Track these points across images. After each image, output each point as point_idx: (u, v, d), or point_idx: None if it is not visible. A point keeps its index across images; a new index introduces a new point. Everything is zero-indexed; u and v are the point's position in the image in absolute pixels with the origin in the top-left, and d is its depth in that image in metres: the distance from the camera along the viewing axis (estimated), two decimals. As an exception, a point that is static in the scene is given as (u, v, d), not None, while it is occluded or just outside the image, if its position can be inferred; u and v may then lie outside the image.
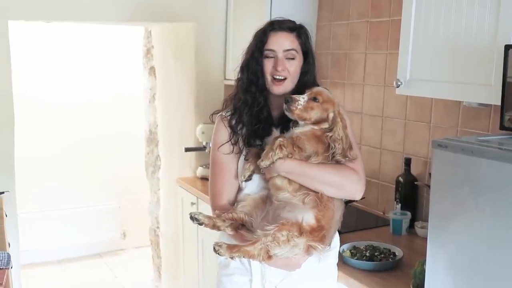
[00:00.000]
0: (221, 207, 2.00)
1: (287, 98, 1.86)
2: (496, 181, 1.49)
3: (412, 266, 2.04)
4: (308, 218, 1.81)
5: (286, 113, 1.87)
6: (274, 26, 1.99)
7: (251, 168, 1.94)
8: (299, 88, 1.99)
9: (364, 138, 3.14)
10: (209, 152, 2.23)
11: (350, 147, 1.89)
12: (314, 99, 1.87)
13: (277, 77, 1.96)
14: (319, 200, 1.85)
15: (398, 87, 2.36)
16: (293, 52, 1.97)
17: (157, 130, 4.71)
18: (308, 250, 1.82)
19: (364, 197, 2.95)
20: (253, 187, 2.00)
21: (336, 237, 2.10)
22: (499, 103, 1.80)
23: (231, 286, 2.06)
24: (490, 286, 1.53)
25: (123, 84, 5.52)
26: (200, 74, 3.91)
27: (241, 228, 1.92)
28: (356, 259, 2.27)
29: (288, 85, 1.99)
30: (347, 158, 1.87)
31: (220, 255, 1.79)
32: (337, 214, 1.91)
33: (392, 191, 2.88)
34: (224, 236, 1.99)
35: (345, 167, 1.89)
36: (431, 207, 1.72)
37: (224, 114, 2.08)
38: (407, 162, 2.78)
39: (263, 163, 1.83)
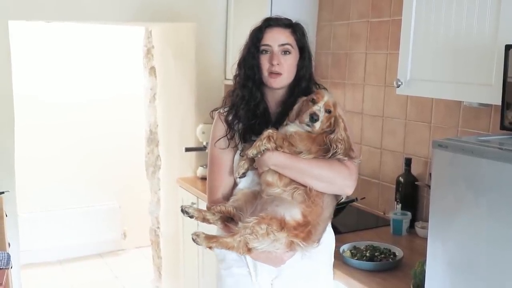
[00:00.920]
0: (215, 201, 2.03)
1: (315, 117, 1.85)
2: (497, 181, 1.49)
3: (412, 266, 2.03)
4: (294, 213, 1.82)
5: (308, 128, 1.88)
6: (270, 22, 2.03)
7: (246, 165, 1.97)
8: (295, 83, 2.03)
9: (364, 138, 3.14)
10: (209, 150, 2.26)
11: (351, 148, 1.91)
12: (328, 111, 1.89)
13: (273, 72, 1.98)
14: (307, 195, 1.86)
15: (398, 87, 2.36)
16: (288, 46, 1.99)
17: (158, 130, 4.71)
18: (291, 246, 1.83)
19: (364, 197, 2.99)
20: (247, 183, 2.02)
21: (331, 235, 2.12)
22: (499, 103, 1.79)
23: (231, 279, 2.07)
24: (490, 286, 1.53)
25: (123, 84, 5.52)
26: (200, 74, 3.91)
27: (230, 222, 1.94)
28: (356, 259, 2.27)
29: (285, 80, 2.01)
30: (348, 158, 1.89)
31: (198, 244, 1.83)
32: (327, 211, 1.92)
33: (393, 191, 2.87)
34: (220, 231, 2.02)
35: (336, 162, 1.89)
36: (432, 207, 1.71)
37: (221, 110, 2.11)
38: (408, 162, 2.78)
39: (250, 151, 1.87)
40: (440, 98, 2.52)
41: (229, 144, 2.05)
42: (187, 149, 3.90)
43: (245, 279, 2.03)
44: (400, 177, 2.81)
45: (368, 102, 3.11)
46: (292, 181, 1.88)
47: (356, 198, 2.92)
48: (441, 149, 1.65)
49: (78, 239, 5.50)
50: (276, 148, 1.87)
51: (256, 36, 2.01)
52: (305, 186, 1.87)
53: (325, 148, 1.89)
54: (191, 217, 1.96)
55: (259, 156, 1.87)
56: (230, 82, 2.19)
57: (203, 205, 3.37)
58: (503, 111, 1.77)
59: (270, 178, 1.89)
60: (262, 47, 2.00)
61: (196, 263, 3.63)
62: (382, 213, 2.99)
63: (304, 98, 1.95)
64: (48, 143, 5.29)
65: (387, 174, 2.98)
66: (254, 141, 1.97)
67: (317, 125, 1.87)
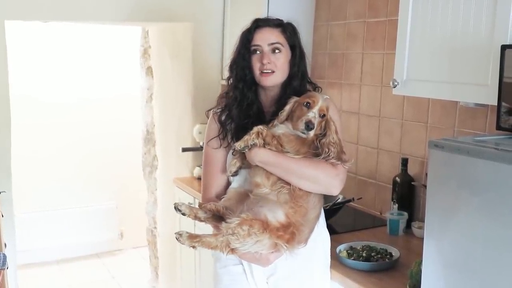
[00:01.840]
0: (208, 200, 2.05)
1: (310, 126, 1.84)
2: (493, 181, 1.49)
3: (409, 266, 2.03)
4: (278, 214, 1.83)
5: (303, 135, 1.87)
6: (259, 23, 2.04)
7: (237, 164, 1.98)
8: (287, 81, 2.04)
9: (361, 138, 3.14)
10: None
11: (343, 151, 1.91)
12: (322, 116, 1.88)
13: (265, 71, 1.99)
14: (292, 195, 1.86)
15: (395, 87, 2.36)
16: (278, 45, 2.00)
17: (154, 130, 4.71)
18: (276, 247, 1.83)
19: (361, 197, 2.99)
20: (240, 181, 2.03)
21: (326, 234, 2.13)
22: (495, 103, 1.80)
23: (228, 277, 2.08)
24: (486, 286, 1.53)
25: (120, 84, 5.52)
26: (197, 74, 3.91)
27: (216, 221, 1.94)
28: (352, 259, 2.27)
29: (277, 78, 2.02)
30: (341, 161, 1.88)
31: (181, 243, 1.85)
32: (313, 211, 1.91)
33: (389, 191, 2.87)
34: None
35: (323, 161, 1.88)
36: (428, 207, 1.71)
37: (215, 110, 2.13)
38: (404, 162, 2.78)
39: (238, 144, 1.88)
40: (437, 98, 2.52)
41: (221, 144, 2.07)
42: (184, 149, 3.89)
43: (241, 277, 2.04)
44: (397, 177, 2.81)
45: (365, 102, 3.12)
46: (279, 179, 1.88)
47: (353, 198, 2.92)
48: (437, 149, 1.65)
49: (75, 239, 5.49)
50: (264, 145, 1.87)
51: (246, 37, 2.03)
52: (289, 186, 1.87)
53: (314, 150, 1.89)
54: (184, 214, 1.98)
55: (247, 150, 1.88)
56: (226, 82, 2.20)
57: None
58: (499, 111, 1.77)
59: (258, 179, 1.90)
60: (253, 48, 2.01)
61: (193, 263, 3.62)
62: (379, 213, 2.99)
63: (296, 98, 1.94)
64: (44, 143, 5.28)
65: (384, 174, 2.99)
66: None
67: (312, 133, 1.86)
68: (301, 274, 2.02)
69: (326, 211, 2.15)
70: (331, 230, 2.17)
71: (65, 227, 5.43)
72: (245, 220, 1.78)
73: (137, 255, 5.62)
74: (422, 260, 1.75)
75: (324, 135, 1.88)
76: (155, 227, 4.78)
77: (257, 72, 2.01)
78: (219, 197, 2.06)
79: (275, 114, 1.98)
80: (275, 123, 1.93)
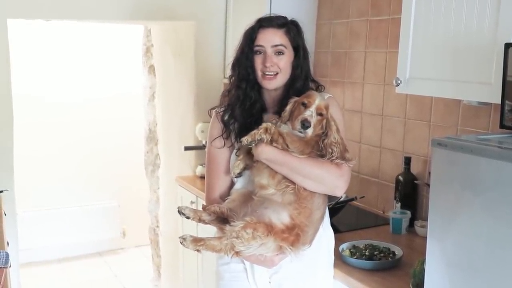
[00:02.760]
0: (212, 201, 2.03)
1: (306, 124, 1.83)
2: (496, 180, 1.48)
3: (412, 265, 2.03)
4: (283, 216, 1.81)
5: (301, 134, 1.86)
6: (263, 23, 2.01)
7: (241, 165, 1.96)
8: (290, 82, 2.03)
9: (363, 137, 3.14)
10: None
11: (346, 149, 1.89)
12: (320, 114, 1.87)
13: (267, 73, 1.98)
14: (297, 195, 1.85)
15: (397, 85, 2.35)
16: (281, 47, 1.99)
17: (157, 128, 4.71)
18: (281, 249, 1.82)
19: (363, 196, 2.98)
20: (244, 182, 2.02)
21: (330, 232, 2.12)
22: (499, 101, 1.79)
23: (229, 275, 2.07)
24: (490, 285, 1.53)
25: (122, 83, 5.52)
26: (199, 72, 3.91)
27: (221, 223, 1.93)
28: (355, 258, 2.27)
29: (280, 80, 2.01)
30: (345, 160, 1.88)
31: (184, 247, 1.83)
32: (317, 212, 1.91)
33: (392, 190, 2.87)
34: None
35: (328, 162, 1.87)
36: (431, 206, 1.71)
37: (218, 110, 2.11)
38: (407, 161, 2.77)
39: (245, 138, 1.85)
40: (440, 97, 2.52)
41: (225, 144, 2.05)
42: (186, 148, 3.89)
43: (243, 275, 2.03)
44: (400, 176, 2.81)
45: (368, 101, 3.11)
46: (283, 179, 1.87)
47: (356, 197, 2.92)
48: (441, 147, 1.65)
49: (77, 238, 5.50)
50: (271, 142, 1.86)
51: (250, 36, 2.01)
52: (294, 186, 1.86)
53: (318, 151, 1.88)
54: (188, 217, 1.96)
55: (253, 145, 1.86)
56: (228, 81, 2.19)
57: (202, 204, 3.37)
58: (502, 109, 1.76)
59: (263, 180, 1.88)
60: (256, 48, 1.99)
61: (195, 262, 3.62)
62: (382, 212, 2.99)
63: (296, 98, 1.93)
64: (47, 141, 5.29)
65: (387, 173, 2.98)
66: None
67: (309, 131, 1.84)
68: (305, 273, 2.01)
69: (329, 210, 2.14)
70: (334, 229, 2.16)
71: (67, 225, 5.43)
72: (249, 223, 1.77)
73: (139, 253, 5.63)
74: (425, 259, 1.75)
75: (326, 135, 1.87)
76: (157, 226, 4.78)
77: (259, 73, 2.00)
78: (223, 197, 2.05)
79: (278, 114, 1.98)
80: (278, 123, 1.92)
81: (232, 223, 1.80)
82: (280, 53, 1.98)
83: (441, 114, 2.65)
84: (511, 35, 1.85)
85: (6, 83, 3.32)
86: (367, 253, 2.30)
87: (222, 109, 2.10)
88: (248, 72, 2.01)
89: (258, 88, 2.05)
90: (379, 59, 3.01)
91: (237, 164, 1.96)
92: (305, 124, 1.83)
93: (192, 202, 3.55)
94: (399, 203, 2.77)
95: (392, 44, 2.88)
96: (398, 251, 2.32)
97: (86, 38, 5.37)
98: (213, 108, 2.16)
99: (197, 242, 1.82)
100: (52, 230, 5.36)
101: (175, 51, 4.22)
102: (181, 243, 1.83)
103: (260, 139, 1.84)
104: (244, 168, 1.97)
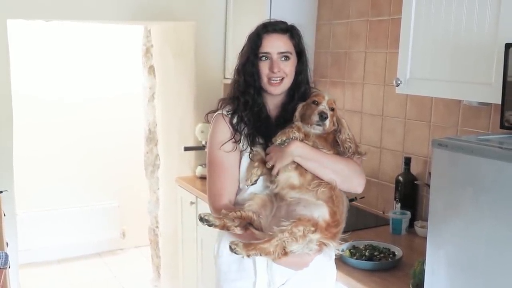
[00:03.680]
0: (224, 207, 1.96)
1: (324, 115, 1.88)
2: (496, 180, 1.48)
3: (412, 265, 2.03)
4: (323, 213, 1.81)
5: (318, 127, 1.90)
6: (268, 28, 2.00)
7: (259, 172, 1.95)
8: (294, 87, 2.04)
9: (364, 137, 3.13)
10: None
11: (357, 145, 1.96)
12: (332, 109, 1.92)
13: (273, 78, 1.98)
14: (333, 191, 1.87)
15: (398, 86, 2.35)
16: (287, 54, 1.99)
17: (157, 129, 4.71)
18: (320, 247, 1.82)
19: (363, 197, 2.98)
20: (258, 187, 1.99)
21: None
22: (499, 102, 1.79)
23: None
24: (490, 286, 1.52)
25: (122, 83, 5.51)
26: (199, 73, 3.91)
27: (248, 227, 1.90)
28: (355, 258, 2.27)
29: (285, 85, 2.01)
30: (359, 155, 1.95)
31: (237, 253, 1.77)
32: (346, 210, 1.93)
33: (392, 190, 2.87)
34: (224, 236, 2.01)
35: (350, 159, 1.95)
36: (431, 206, 1.71)
37: (225, 112, 2.05)
38: (407, 161, 2.77)
39: (278, 137, 1.87)
40: (440, 97, 2.52)
41: (236, 148, 2.01)
42: (186, 148, 3.89)
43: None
44: (400, 176, 2.80)
45: (368, 101, 3.11)
46: (314, 177, 1.89)
47: (356, 197, 2.91)
48: (441, 148, 1.65)
49: (77, 238, 5.49)
50: (301, 139, 1.89)
51: (255, 42, 1.99)
52: (327, 184, 1.88)
53: (336, 147, 1.95)
54: (211, 225, 1.89)
55: (286, 144, 1.87)
56: (229, 82, 2.17)
57: (202, 204, 3.37)
58: (503, 110, 1.76)
59: (293, 180, 1.89)
60: (261, 54, 1.98)
61: (195, 263, 3.62)
62: (382, 212, 2.99)
63: (303, 102, 1.97)
64: (46, 142, 5.28)
65: (387, 173, 2.98)
66: (262, 143, 1.99)
67: (327, 123, 1.89)
68: (315, 276, 2.01)
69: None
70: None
71: (67, 226, 5.42)
72: (300, 220, 1.76)
73: (139, 254, 5.62)
74: (425, 260, 1.75)
75: (340, 131, 1.94)
76: (157, 226, 4.78)
77: (264, 78, 1.99)
78: (232, 203, 2.01)
79: (281, 119, 1.99)
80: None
81: (281, 224, 1.76)
82: (286, 58, 1.98)
83: (441, 115, 2.65)
84: (512, 35, 1.86)
85: (6, 83, 3.32)
86: (367, 254, 2.30)
87: (229, 112, 2.05)
88: (254, 78, 2.00)
89: (262, 93, 2.04)
90: (379, 60, 3.00)
91: (255, 171, 1.94)
92: (323, 116, 1.88)
93: (191, 203, 3.55)
94: (399, 204, 2.77)
95: (392, 45, 2.88)
96: (398, 252, 2.32)
97: (86, 39, 5.37)
98: (210, 112, 2.13)
99: (248, 247, 1.76)
100: (51, 231, 5.35)
101: (175, 52, 4.22)
102: (233, 249, 1.76)
103: (295, 137, 1.87)
104: (260, 176, 1.96)
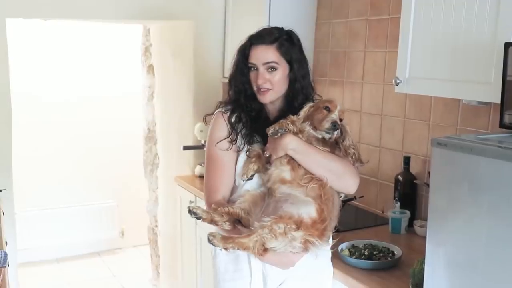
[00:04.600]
0: (217, 203, 1.99)
1: (337, 126, 1.90)
2: (496, 180, 1.48)
3: (411, 265, 2.02)
4: (310, 210, 1.81)
5: (326, 134, 1.92)
6: (253, 40, 2.03)
7: (255, 167, 1.96)
8: (292, 95, 2.04)
9: (363, 137, 3.13)
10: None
11: (359, 152, 1.97)
12: (340, 119, 1.94)
13: (261, 88, 2.00)
14: (323, 188, 1.87)
15: (397, 85, 2.35)
16: (273, 64, 1.99)
17: (156, 128, 4.70)
18: (305, 245, 1.81)
19: (362, 196, 2.98)
20: (253, 184, 2.00)
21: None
22: (498, 101, 1.78)
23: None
24: (489, 285, 1.52)
25: (121, 82, 5.51)
26: (198, 72, 3.90)
27: (237, 224, 1.92)
28: (354, 258, 2.26)
29: (273, 94, 2.03)
30: (361, 163, 1.97)
31: (214, 245, 1.80)
32: (336, 208, 1.93)
33: (391, 189, 2.87)
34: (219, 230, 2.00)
35: (345, 159, 1.95)
36: (430, 205, 1.71)
37: (223, 110, 2.09)
38: (406, 160, 2.77)
39: (271, 127, 1.89)
40: (439, 96, 2.52)
41: (232, 146, 2.03)
42: (185, 148, 3.89)
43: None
44: (399, 176, 2.80)
45: (367, 100, 3.11)
46: (306, 173, 1.89)
47: (355, 197, 2.91)
48: (440, 147, 1.65)
49: (76, 237, 5.49)
50: (297, 133, 1.90)
51: (243, 54, 2.03)
52: (318, 179, 1.88)
53: (337, 152, 1.96)
54: (199, 218, 1.92)
55: (279, 135, 1.88)
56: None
57: (201, 203, 3.36)
58: (502, 109, 1.76)
59: (286, 174, 1.89)
60: (250, 65, 2.02)
61: (194, 262, 3.62)
62: (381, 212, 2.99)
63: (311, 103, 1.98)
64: (45, 141, 5.27)
65: (386, 173, 2.98)
66: (260, 142, 2.01)
67: (336, 133, 1.91)
68: (312, 275, 2.02)
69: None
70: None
71: (66, 225, 5.42)
72: (281, 218, 1.76)
73: (138, 253, 5.62)
74: (424, 259, 1.75)
75: (344, 138, 1.95)
76: (156, 226, 4.77)
77: (255, 88, 2.03)
78: (226, 199, 2.04)
79: (276, 121, 1.98)
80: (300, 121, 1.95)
81: (262, 220, 1.78)
82: (272, 68, 1.99)
83: (440, 114, 2.65)
84: (511, 35, 1.85)
85: (5, 82, 3.32)
86: (366, 253, 2.30)
87: (228, 109, 2.08)
88: (246, 87, 2.04)
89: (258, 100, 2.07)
90: (379, 59, 3.00)
91: (252, 166, 1.96)
92: (335, 126, 1.89)
93: (191, 202, 3.54)
94: (398, 203, 2.77)
95: (391, 44, 2.88)
96: (397, 251, 2.32)
97: (85, 38, 5.36)
98: (208, 115, 2.16)
99: (227, 240, 1.79)
100: (50, 230, 5.35)
101: (174, 51, 4.22)
102: (210, 240, 1.79)
103: (287, 129, 1.88)
104: (256, 171, 1.97)
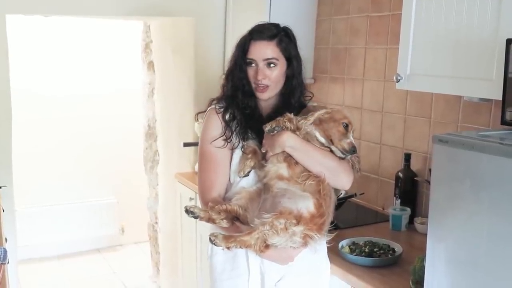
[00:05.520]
0: (212, 201, 1.99)
1: (355, 150, 1.93)
2: (497, 176, 1.47)
3: (412, 262, 2.02)
4: (308, 205, 1.82)
5: (341, 155, 1.94)
6: (253, 35, 2.01)
7: (251, 163, 1.96)
8: (288, 91, 2.05)
9: (363, 134, 3.13)
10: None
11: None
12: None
13: (260, 84, 2.00)
14: (321, 184, 1.87)
15: (398, 82, 2.34)
16: (273, 60, 1.99)
17: (156, 125, 4.70)
18: (305, 239, 1.81)
19: (363, 193, 2.98)
20: (249, 181, 2.01)
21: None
22: (500, 98, 1.78)
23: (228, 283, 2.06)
24: (490, 282, 1.52)
25: (121, 79, 5.50)
26: (199, 68, 3.89)
27: (235, 221, 1.92)
28: (355, 255, 2.26)
29: (272, 91, 2.03)
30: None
31: (216, 245, 1.80)
32: (333, 204, 1.94)
33: (392, 186, 2.86)
34: (218, 230, 2.00)
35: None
36: (431, 202, 1.70)
37: (217, 107, 2.08)
38: (407, 157, 2.77)
39: (269, 124, 1.89)
40: (440, 93, 2.51)
41: (226, 144, 2.03)
42: (185, 144, 3.88)
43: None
44: (400, 173, 2.80)
45: (368, 97, 3.10)
46: (304, 170, 1.90)
47: (355, 194, 2.91)
48: (441, 144, 1.64)
49: (76, 234, 5.49)
50: (294, 131, 1.90)
51: (242, 49, 2.02)
52: (315, 176, 1.89)
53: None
54: (196, 217, 1.93)
55: (275, 132, 1.88)
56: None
57: (201, 201, 3.36)
58: (504, 106, 1.76)
59: (283, 171, 1.89)
60: (248, 60, 2.01)
61: (194, 259, 3.62)
62: (381, 209, 2.98)
63: (328, 110, 1.94)
64: (45, 138, 5.27)
65: (387, 170, 2.97)
66: (254, 138, 2.01)
67: (349, 156, 1.94)
68: (310, 270, 2.03)
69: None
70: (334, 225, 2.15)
71: (66, 222, 5.43)
72: (282, 213, 1.76)
73: (138, 250, 5.62)
74: (425, 256, 1.74)
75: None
76: (156, 222, 4.77)
77: (253, 84, 2.02)
78: (221, 197, 2.03)
79: (270, 118, 1.97)
80: (303, 121, 1.93)
81: (262, 216, 1.77)
82: (272, 65, 1.99)
83: (441, 111, 2.64)
84: (513, 31, 1.85)
85: (5, 79, 3.31)
86: (366, 250, 2.30)
87: (221, 106, 2.08)
88: (243, 83, 2.03)
89: (255, 96, 2.06)
90: (379, 55, 3.00)
91: (248, 163, 1.96)
92: (354, 151, 1.93)
93: (191, 199, 3.54)
94: (399, 200, 2.77)
95: (392, 40, 2.87)
96: (398, 248, 2.32)
97: (85, 34, 5.36)
98: (200, 112, 2.19)
99: (228, 239, 1.78)
100: (50, 227, 5.35)
101: (175, 47, 4.21)
102: (212, 241, 1.79)
103: (284, 127, 1.88)
104: (252, 168, 1.97)
